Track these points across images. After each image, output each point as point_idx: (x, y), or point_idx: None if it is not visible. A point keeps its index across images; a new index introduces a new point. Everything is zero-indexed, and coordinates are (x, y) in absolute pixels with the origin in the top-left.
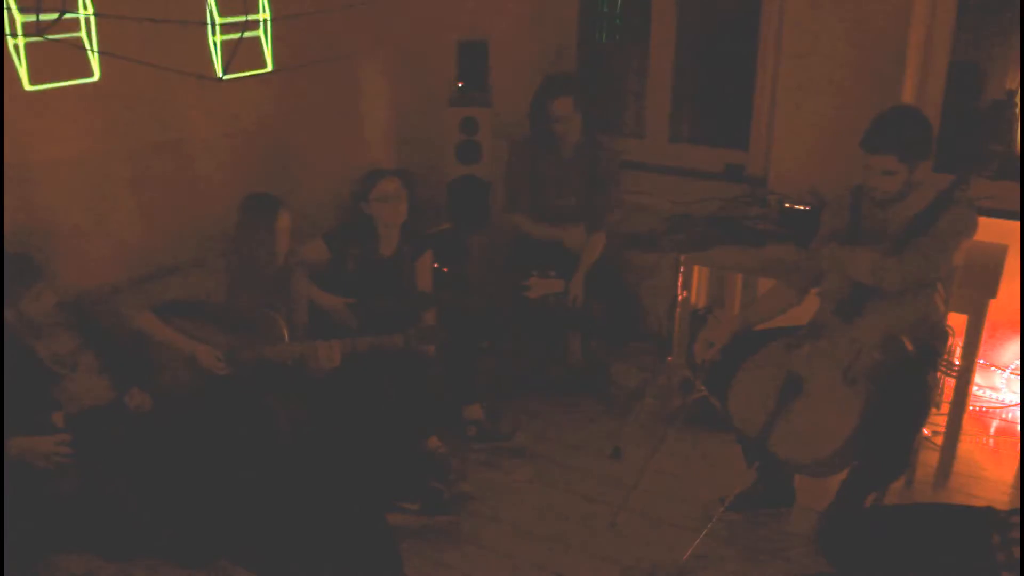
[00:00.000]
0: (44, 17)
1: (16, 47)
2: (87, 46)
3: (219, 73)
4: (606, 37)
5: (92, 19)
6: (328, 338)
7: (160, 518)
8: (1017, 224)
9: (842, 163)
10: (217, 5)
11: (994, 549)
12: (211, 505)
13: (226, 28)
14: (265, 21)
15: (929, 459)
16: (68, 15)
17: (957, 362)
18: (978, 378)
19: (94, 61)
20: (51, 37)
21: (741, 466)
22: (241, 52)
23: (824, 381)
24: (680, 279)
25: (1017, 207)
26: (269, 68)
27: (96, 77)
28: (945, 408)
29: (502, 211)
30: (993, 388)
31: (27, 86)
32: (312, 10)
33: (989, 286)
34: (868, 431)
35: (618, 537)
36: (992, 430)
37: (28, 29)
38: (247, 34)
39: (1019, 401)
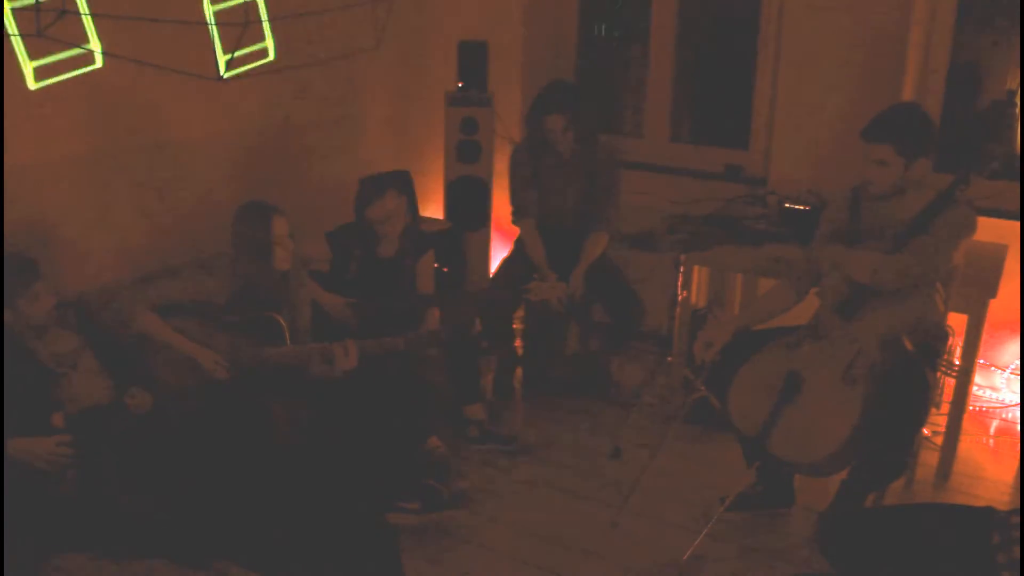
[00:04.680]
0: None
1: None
2: (90, 36)
3: (220, 73)
4: (606, 32)
5: (87, 17)
6: (329, 339)
7: (160, 518)
8: (1017, 224)
9: (842, 163)
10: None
11: (994, 549)
12: (211, 505)
13: (225, 30)
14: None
15: (929, 459)
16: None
17: (957, 362)
18: (978, 378)
19: (95, 47)
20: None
21: (741, 466)
22: (241, 53)
23: (824, 381)
24: (680, 279)
25: (1017, 207)
26: (271, 57)
27: (99, 64)
28: (945, 408)
29: (511, 216)
30: (993, 388)
31: (32, 85)
32: (312, 10)
33: (989, 286)
34: (868, 431)
35: (618, 537)
36: (992, 430)
37: (27, 28)
38: (246, 51)
39: (1019, 401)
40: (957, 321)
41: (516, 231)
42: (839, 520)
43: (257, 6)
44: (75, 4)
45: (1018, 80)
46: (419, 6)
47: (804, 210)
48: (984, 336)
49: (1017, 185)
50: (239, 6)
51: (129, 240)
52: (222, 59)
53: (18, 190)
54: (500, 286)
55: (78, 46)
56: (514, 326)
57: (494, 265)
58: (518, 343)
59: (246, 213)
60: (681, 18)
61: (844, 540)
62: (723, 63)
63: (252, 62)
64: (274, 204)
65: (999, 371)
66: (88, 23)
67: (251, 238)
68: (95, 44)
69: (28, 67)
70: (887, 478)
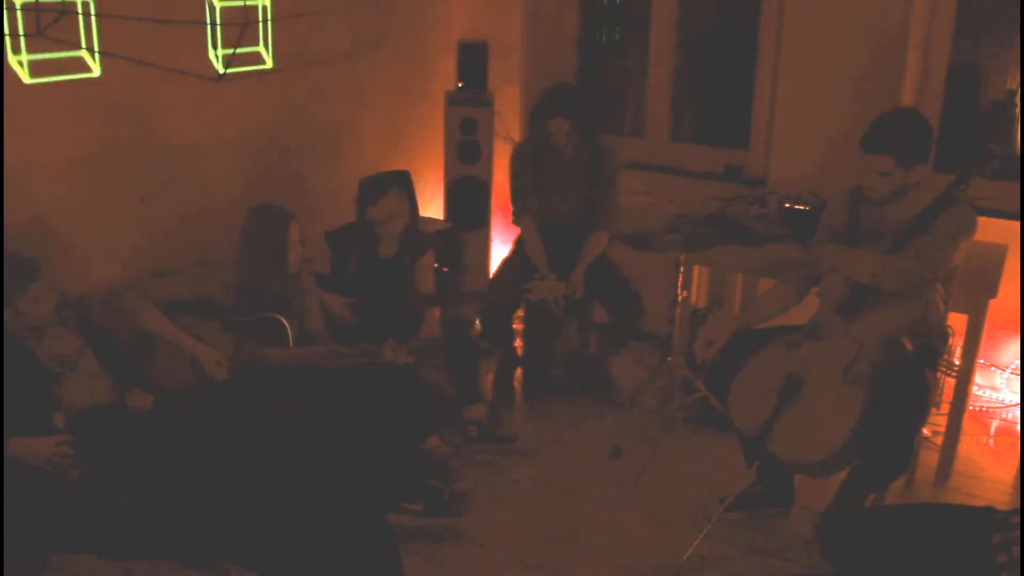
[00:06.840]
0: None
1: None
2: (90, 44)
3: (219, 72)
4: (605, 37)
5: (93, 18)
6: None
7: (160, 518)
8: (1017, 224)
9: (842, 163)
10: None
11: (994, 549)
12: (211, 505)
13: (225, 29)
14: (265, 22)
15: (929, 459)
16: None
17: (957, 362)
18: (978, 378)
19: (89, 58)
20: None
21: (741, 466)
22: (241, 52)
23: (824, 381)
24: (680, 279)
25: (1017, 207)
26: (269, 65)
27: (96, 73)
28: (945, 408)
29: (511, 216)
30: (993, 388)
31: (26, 80)
32: (312, 10)
33: (989, 286)
34: (868, 431)
35: (618, 537)
36: (992, 430)
37: (28, 28)
38: (240, 51)
39: (1019, 401)
40: (957, 321)
41: (516, 231)
42: (839, 520)
43: (257, 7)
44: (75, 4)
45: (1018, 80)
46: (419, 6)
47: (804, 210)
48: (984, 336)
49: (1017, 185)
50: (239, 7)
51: (129, 240)
52: (221, 57)
53: (18, 190)
54: (500, 286)
55: (77, 46)
56: (514, 326)
57: (494, 265)
58: (518, 343)
59: (263, 216)
60: (681, 18)
61: (844, 540)
62: (723, 63)
63: (252, 63)
64: (287, 209)
65: (999, 371)
66: (88, 23)
67: (268, 241)
68: (95, 45)
69: (23, 60)
70: (887, 478)
